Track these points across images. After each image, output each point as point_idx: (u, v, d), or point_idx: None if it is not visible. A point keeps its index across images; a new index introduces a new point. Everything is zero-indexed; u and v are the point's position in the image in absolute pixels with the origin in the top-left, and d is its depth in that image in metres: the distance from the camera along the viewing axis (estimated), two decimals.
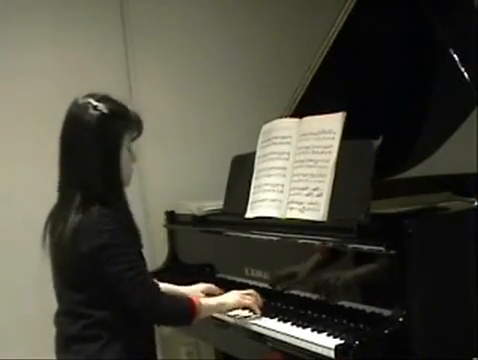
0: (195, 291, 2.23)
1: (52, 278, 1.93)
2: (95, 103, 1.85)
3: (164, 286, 2.12)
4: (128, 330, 1.84)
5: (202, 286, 2.28)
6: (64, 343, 1.87)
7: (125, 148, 1.90)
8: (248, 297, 2.14)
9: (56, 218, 1.89)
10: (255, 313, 2.15)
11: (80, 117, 1.85)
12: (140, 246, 1.94)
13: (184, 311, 1.92)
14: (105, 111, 1.85)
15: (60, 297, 1.91)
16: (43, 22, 2.99)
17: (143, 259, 1.92)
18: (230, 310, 2.13)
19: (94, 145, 1.83)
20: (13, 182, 2.90)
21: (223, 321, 2.22)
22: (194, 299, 1.96)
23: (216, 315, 2.23)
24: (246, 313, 2.17)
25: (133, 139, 1.94)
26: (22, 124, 2.92)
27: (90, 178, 1.83)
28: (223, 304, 2.09)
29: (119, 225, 1.83)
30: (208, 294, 2.26)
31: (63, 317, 1.89)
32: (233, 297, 2.12)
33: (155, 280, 1.94)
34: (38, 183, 2.90)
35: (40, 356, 2.66)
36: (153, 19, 3.23)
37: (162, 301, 1.89)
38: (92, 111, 1.84)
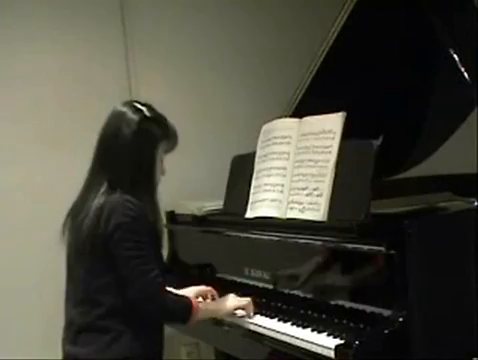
0: (188, 293, 2.21)
1: (69, 266, 1.96)
2: (138, 106, 1.97)
3: None
4: (139, 321, 1.86)
5: (195, 289, 2.28)
6: (74, 334, 1.89)
7: (159, 157, 1.98)
8: (243, 300, 2.16)
9: (79, 209, 1.93)
10: (247, 316, 2.16)
11: (120, 119, 1.94)
12: (160, 246, 2.00)
13: (182, 311, 1.94)
14: (147, 115, 1.96)
15: (75, 286, 1.92)
16: (43, 24, 2.99)
17: (161, 258, 2.00)
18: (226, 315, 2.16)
19: (132, 144, 1.91)
20: (15, 183, 2.90)
21: (223, 321, 2.22)
22: (193, 301, 1.98)
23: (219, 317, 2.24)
24: (240, 312, 2.18)
25: (166, 151, 2.03)
26: (22, 126, 2.92)
27: (122, 173, 1.90)
28: (220, 310, 2.13)
29: (139, 213, 1.87)
30: (203, 297, 2.28)
31: (76, 307, 1.90)
32: (229, 304, 2.14)
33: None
34: (40, 184, 2.90)
35: (41, 356, 2.66)
36: (153, 21, 3.23)
37: (162, 296, 1.90)
38: (133, 114, 1.94)
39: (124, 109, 1.96)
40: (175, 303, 1.94)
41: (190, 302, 1.96)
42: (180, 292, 2.23)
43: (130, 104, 1.98)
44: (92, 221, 1.85)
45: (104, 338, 1.84)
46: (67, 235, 1.96)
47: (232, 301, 2.15)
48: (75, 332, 1.89)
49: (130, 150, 1.91)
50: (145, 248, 1.87)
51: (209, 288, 2.30)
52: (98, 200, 1.87)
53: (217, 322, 2.24)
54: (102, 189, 1.89)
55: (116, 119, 1.96)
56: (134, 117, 1.94)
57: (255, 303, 2.21)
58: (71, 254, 1.95)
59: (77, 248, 1.92)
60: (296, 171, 2.23)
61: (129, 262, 1.84)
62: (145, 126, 1.94)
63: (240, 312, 2.17)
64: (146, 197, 1.93)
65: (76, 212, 1.94)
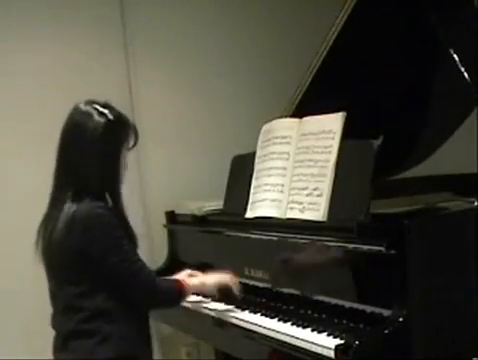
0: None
1: (47, 279, 1.95)
2: (101, 109, 1.91)
3: None
4: (125, 319, 1.87)
5: (185, 272, 2.34)
6: (62, 342, 1.89)
7: (123, 157, 1.96)
8: (226, 276, 2.24)
9: (49, 218, 1.92)
10: (235, 293, 2.23)
11: (85, 122, 1.90)
12: (136, 246, 2.00)
13: (175, 293, 2.02)
14: (111, 117, 1.91)
15: (55, 296, 1.93)
16: (43, 23, 2.98)
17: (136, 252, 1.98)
18: (212, 290, 2.23)
19: (98, 149, 1.88)
20: (12, 183, 2.90)
21: (223, 321, 2.22)
22: (181, 280, 2.07)
23: (216, 315, 2.26)
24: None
25: (129, 149, 2.00)
26: (22, 125, 2.91)
27: (88, 179, 1.88)
28: (204, 283, 2.19)
29: (112, 218, 1.88)
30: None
31: (60, 316, 1.91)
32: (212, 277, 2.22)
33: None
34: (37, 184, 2.89)
35: (38, 356, 2.66)
36: (153, 20, 3.23)
37: (159, 286, 1.98)
38: (98, 117, 1.90)
39: (86, 113, 1.91)
40: (170, 288, 2.02)
41: (180, 283, 2.04)
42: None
43: (90, 108, 1.92)
44: (62, 232, 1.83)
45: (90, 341, 1.83)
46: (40, 245, 1.94)
47: (213, 276, 2.23)
48: (62, 340, 1.89)
49: (96, 156, 1.88)
50: (127, 250, 1.90)
51: (197, 272, 2.34)
52: (66, 209, 1.84)
53: (217, 322, 2.24)
54: (69, 197, 1.87)
55: (78, 123, 1.91)
56: (98, 122, 1.89)
57: (253, 301, 2.23)
58: (45, 264, 1.94)
59: (48, 258, 1.91)
60: (296, 171, 2.23)
61: (119, 268, 1.86)
62: (110, 130, 1.90)
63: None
64: (112, 200, 1.92)
65: (46, 225, 1.93)
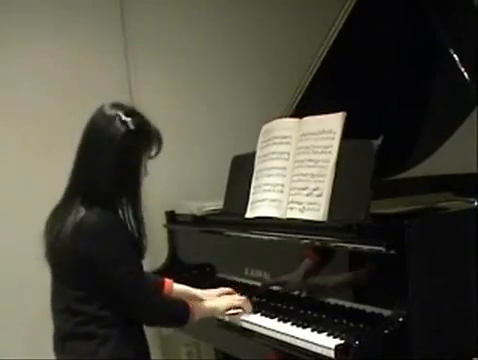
0: (210, 295, 2.22)
1: (51, 276, 1.94)
2: (123, 117, 1.85)
3: (179, 287, 2.20)
4: (123, 325, 1.86)
5: (217, 291, 2.26)
6: (60, 341, 1.89)
7: (143, 167, 1.92)
8: (239, 301, 2.16)
9: (55, 218, 1.91)
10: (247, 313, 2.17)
11: (105, 128, 1.85)
12: (142, 254, 1.97)
13: (179, 314, 1.96)
14: (132, 127, 1.85)
15: (57, 295, 1.92)
16: (43, 24, 2.98)
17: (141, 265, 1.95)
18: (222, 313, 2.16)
19: (114, 158, 1.83)
20: (14, 185, 2.90)
21: (223, 321, 2.22)
22: (188, 303, 1.99)
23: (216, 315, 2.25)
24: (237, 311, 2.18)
25: (151, 157, 1.95)
26: (22, 126, 2.91)
27: (100, 186, 1.83)
28: (215, 308, 2.12)
29: (119, 228, 1.86)
30: None
31: (60, 314, 1.90)
32: (225, 301, 2.15)
33: (156, 278, 2.05)
34: (39, 185, 2.90)
35: (40, 356, 2.66)
36: (153, 20, 3.23)
37: (159, 304, 1.94)
38: (119, 125, 1.84)
39: (109, 117, 1.85)
40: (172, 308, 1.97)
41: (186, 304, 1.97)
42: (202, 292, 2.22)
43: (113, 114, 1.85)
44: (69, 239, 1.80)
45: (90, 344, 1.82)
46: (44, 245, 1.92)
47: (226, 300, 2.16)
48: (61, 340, 1.88)
49: (111, 165, 1.83)
50: (132, 262, 1.87)
51: (231, 290, 2.26)
52: (74, 216, 1.81)
53: (217, 322, 2.24)
54: (79, 200, 1.84)
55: (99, 127, 1.86)
56: (118, 131, 1.83)
57: (253, 303, 2.21)
58: (49, 262, 1.93)
59: (53, 261, 1.90)
60: (296, 171, 2.23)
61: (121, 281, 1.82)
62: (129, 140, 1.84)
63: (237, 311, 2.16)
64: (130, 211, 1.89)
65: (53, 223, 1.91)
